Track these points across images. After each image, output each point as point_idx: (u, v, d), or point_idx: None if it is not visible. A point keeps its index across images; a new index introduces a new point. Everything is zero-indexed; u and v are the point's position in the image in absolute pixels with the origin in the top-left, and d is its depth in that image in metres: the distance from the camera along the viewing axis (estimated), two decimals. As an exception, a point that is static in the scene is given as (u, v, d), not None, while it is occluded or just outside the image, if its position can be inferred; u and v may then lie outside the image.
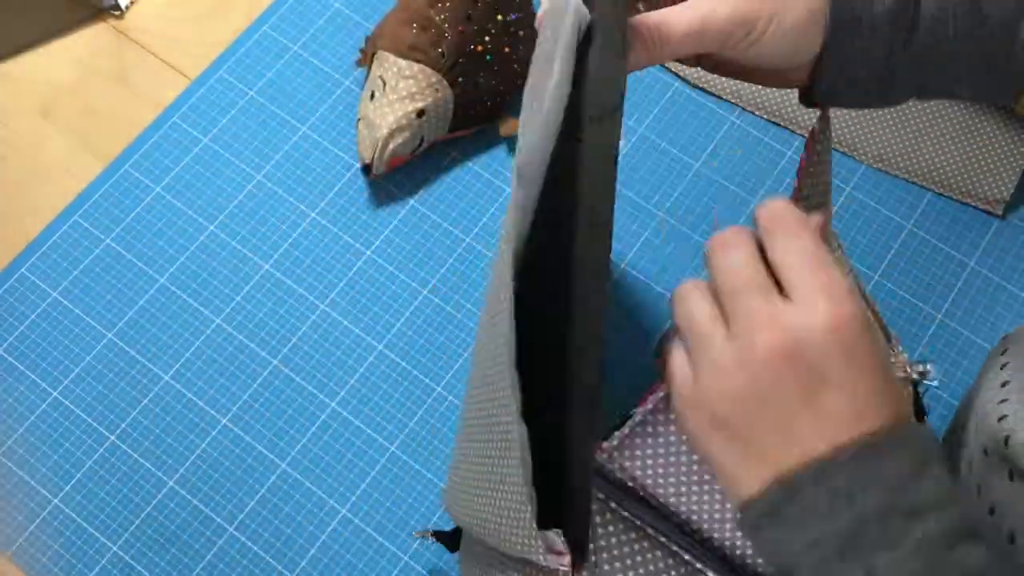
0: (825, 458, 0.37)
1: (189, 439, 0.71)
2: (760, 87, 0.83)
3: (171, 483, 0.69)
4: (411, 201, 0.79)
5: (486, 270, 0.77)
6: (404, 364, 0.73)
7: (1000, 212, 0.80)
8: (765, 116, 0.83)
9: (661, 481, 0.55)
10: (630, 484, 0.56)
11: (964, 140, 0.82)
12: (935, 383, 0.56)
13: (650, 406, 0.55)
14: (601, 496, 0.54)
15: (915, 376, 0.56)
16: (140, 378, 0.72)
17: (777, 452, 0.38)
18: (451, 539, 0.61)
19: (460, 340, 0.74)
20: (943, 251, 0.79)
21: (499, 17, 0.78)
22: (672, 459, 0.55)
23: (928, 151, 0.82)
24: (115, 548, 0.67)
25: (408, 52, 0.76)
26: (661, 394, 0.54)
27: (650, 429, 0.55)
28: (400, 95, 0.75)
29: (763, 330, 0.38)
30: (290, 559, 0.68)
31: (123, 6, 0.85)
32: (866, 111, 0.83)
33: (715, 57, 0.49)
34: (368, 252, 0.77)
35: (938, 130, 0.82)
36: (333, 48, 0.84)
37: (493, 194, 0.79)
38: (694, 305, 0.41)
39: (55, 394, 0.71)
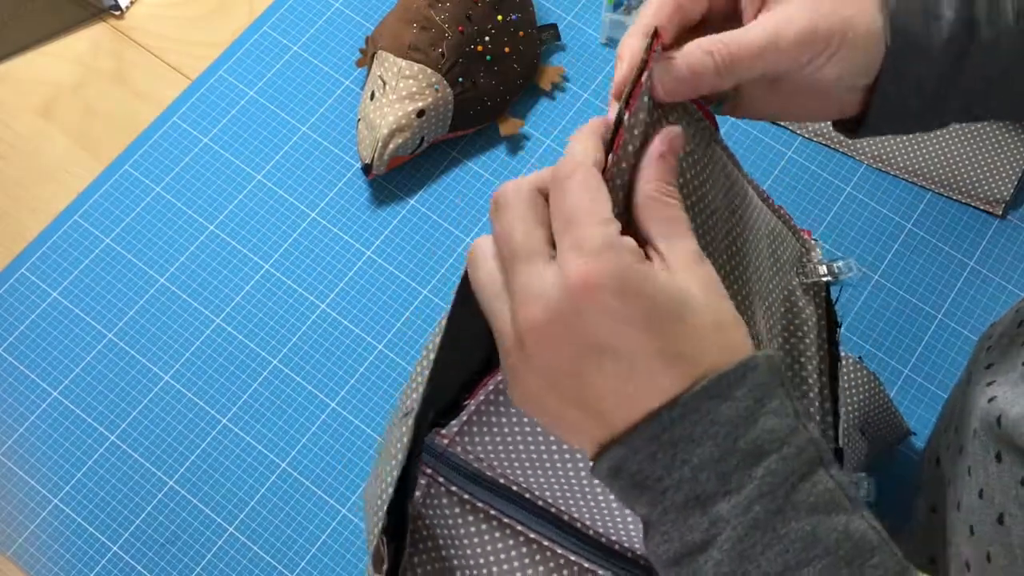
0: (650, 416, 0.36)
1: (189, 439, 0.71)
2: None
3: (171, 483, 0.69)
4: (411, 201, 0.79)
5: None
6: (404, 364, 0.73)
7: (1000, 212, 0.80)
8: (765, 116, 0.83)
9: (507, 462, 0.56)
10: (475, 466, 0.56)
11: (964, 140, 0.82)
12: (854, 275, 0.52)
13: (481, 397, 0.54)
14: (441, 479, 0.55)
15: (827, 278, 0.53)
16: (140, 378, 0.72)
17: (592, 425, 0.37)
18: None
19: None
20: (943, 251, 0.79)
21: (499, 17, 0.78)
22: (518, 438, 0.55)
23: (928, 151, 0.82)
24: (115, 548, 0.68)
25: (408, 52, 0.76)
26: (492, 384, 0.53)
27: (492, 408, 0.55)
28: (400, 95, 0.75)
29: (525, 304, 0.36)
30: (290, 559, 0.68)
31: (123, 6, 0.85)
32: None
33: (772, 81, 0.46)
34: (368, 252, 0.77)
35: (938, 130, 0.82)
36: (333, 48, 0.84)
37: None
38: (482, 273, 0.39)
39: (55, 394, 0.72)
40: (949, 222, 0.80)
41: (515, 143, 0.81)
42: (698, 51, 0.41)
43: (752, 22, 0.43)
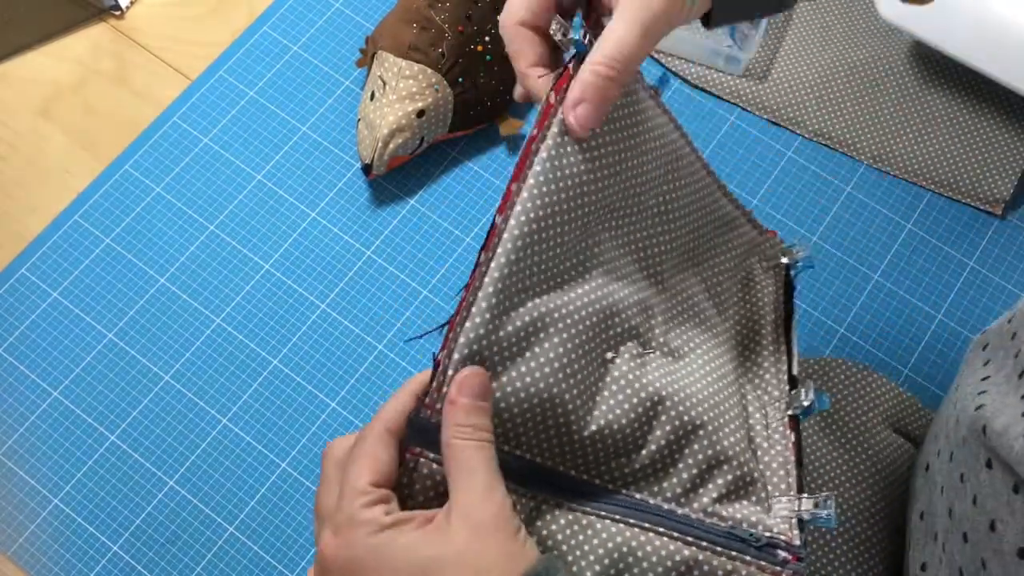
0: None
1: (189, 439, 0.71)
2: (760, 87, 0.83)
3: (171, 483, 0.69)
4: (411, 201, 0.79)
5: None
6: (404, 364, 0.73)
7: (1000, 212, 0.80)
8: (765, 116, 0.83)
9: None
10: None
11: (964, 140, 0.82)
12: (806, 256, 0.59)
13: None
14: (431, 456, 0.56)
15: (788, 260, 0.58)
16: (140, 378, 0.72)
17: None
18: None
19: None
20: (943, 251, 0.79)
21: (499, 17, 0.78)
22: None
23: (928, 151, 0.82)
24: (115, 548, 0.68)
25: (408, 52, 0.76)
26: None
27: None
28: (400, 95, 0.75)
29: (316, 557, 0.41)
30: (290, 559, 0.68)
31: (123, 6, 0.85)
32: (866, 111, 0.83)
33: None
34: (368, 252, 0.77)
35: (938, 130, 0.82)
36: (333, 48, 0.84)
37: (493, 194, 0.79)
38: (320, 497, 0.44)
39: (55, 394, 0.72)
40: (949, 222, 0.80)
41: (515, 143, 0.81)
42: (598, 79, 0.44)
43: (618, 14, 0.45)
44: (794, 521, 0.48)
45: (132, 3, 0.85)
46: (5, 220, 0.77)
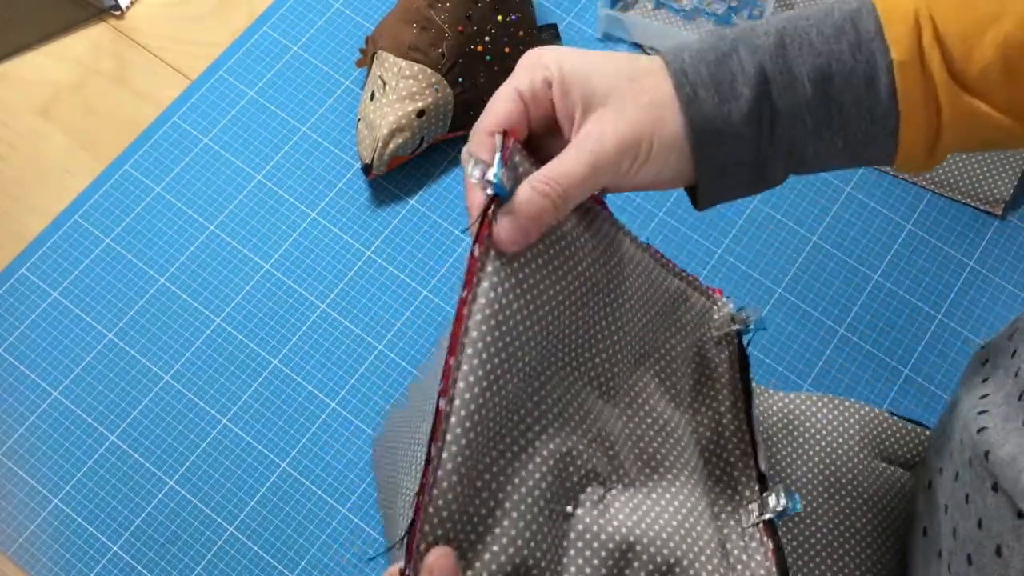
0: None
1: (189, 439, 0.71)
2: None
3: (171, 483, 0.69)
4: (411, 201, 0.79)
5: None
6: (404, 364, 0.73)
7: (1000, 212, 0.80)
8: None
9: None
10: None
11: (964, 140, 0.82)
12: (757, 319, 0.56)
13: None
14: None
15: (739, 327, 0.56)
16: (140, 378, 0.72)
17: None
18: None
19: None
20: (943, 251, 0.79)
21: (499, 17, 0.78)
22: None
23: (928, 151, 0.82)
24: (115, 548, 0.68)
25: (408, 52, 0.76)
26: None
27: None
28: (400, 95, 0.75)
29: None
30: (290, 559, 0.68)
31: (123, 6, 0.85)
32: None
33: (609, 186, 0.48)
34: (368, 252, 0.77)
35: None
36: (333, 48, 0.84)
37: (493, 194, 0.79)
38: None
39: (55, 394, 0.72)
40: (949, 222, 0.80)
41: (515, 143, 0.81)
42: (535, 195, 0.42)
43: (572, 144, 0.44)
44: None
45: (132, 3, 0.85)
46: (5, 220, 0.77)
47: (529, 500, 0.42)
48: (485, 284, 0.41)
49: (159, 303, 0.75)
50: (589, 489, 0.45)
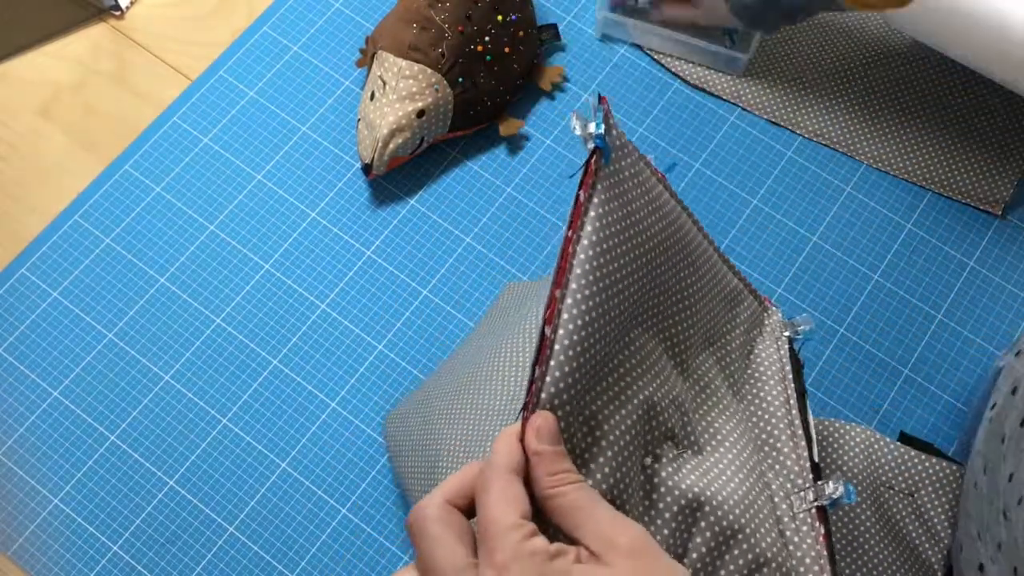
0: None
1: (189, 439, 0.71)
2: (760, 87, 0.83)
3: (171, 483, 0.69)
4: (411, 201, 0.79)
5: (496, 277, 0.77)
6: (404, 364, 0.73)
7: (1000, 212, 0.80)
8: (765, 116, 0.83)
9: None
10: None
11: (964, 140, 0.82)
12: (808, 330, 0.60)
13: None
14: None
15: (790, 334, 0.58)
16: (140, 378, 0.72)
17: None
18: None
19: (460, 340, 0.74)
20: (943, 251, 0.79)
21: (499, 17, 0.78)
22: None
23: (928, 151, 0.82)
24: (115, 548, 0.68)
25: (408, 52, 0.76)
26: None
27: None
28: (400, 95, 0.75)
29: None
30: (290, 559, 0.68)
31: (123, 6, 0.85)
32: (866, 111, 0.83)
33: None
34: (368, 252, 0.77)
35: (938, 130, 0.83)
36: (333, 48, 0.84)
37: (493, 194, 0.79)
38: None
39: (55, 394, 0.72)
40: (949, 222, 0.80)
41: (515, 143, 0.81)
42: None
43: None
44: None
45: (132, 3, 0.85)
46: (5, 220, 0.77)
47: (622, 442, 0.44)
48: (588, 227, 0.44)
49: (159, 303, 0.75)
50: (665, 446, 0.47)
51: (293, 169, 0.79)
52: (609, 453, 0.43)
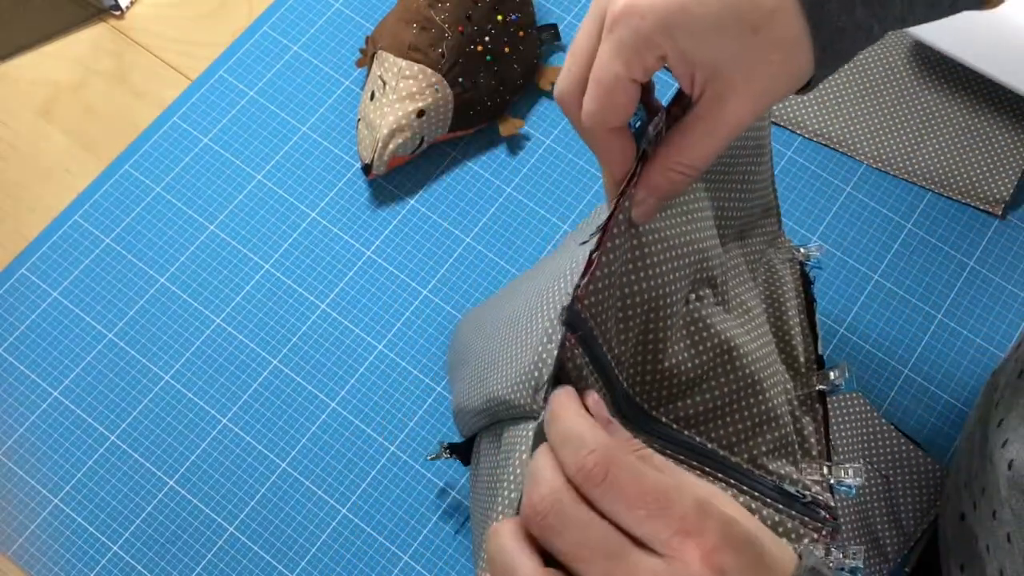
0: None
1: (189, 439, 0.71)
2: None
3: (171, 483, 0.69)
4: (411, 201, 0.79)
5: (496, 277, 0.77)
6: (404, 364, 0.73)
7: (1000, 212, 0.80)
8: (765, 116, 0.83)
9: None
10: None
11: (964, 140, 0.82)
12: (819, 257, 0.63)
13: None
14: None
15: (801, 258, 0.61)
16: (140, 378, 0.72)
17: None
18: (464, 450, 0.61)
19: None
20: (943, 251, 0.79)
21: (499, 17, 0.78)
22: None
23: (928, 151, 0.82)
24: (115, 548, 0.68)
25: (408, 52, 0.76)
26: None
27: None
28: (400, 95, 0.75)
29: None
30: (290, 559, 0.68)
31: (123, 6, 0.85)
32: (866, 111, 0.83)
33: None
34: (368, 252, 0.77)
35: (938, 130, 0.82)
36: (333, 48, 0.84)
37: (493, 194, 0.79)
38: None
39: (55, 394, 0.72)
40: (949, 222, 0.80)
41: (515, 143, 0.81)
42: (672, 184, 0.43)
43: (700, 119, 0.42)
44: (825, 485, 0.50)
45: (132, 3, 0.85)
46: (5, 220, 0.77)
47: (683, 262, 0.48)
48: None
49: (159, 303, 0.75)
50: (706, 291, 0.50)
51: (293, 169, 0.79)
52: (675, 262, 0.46)
